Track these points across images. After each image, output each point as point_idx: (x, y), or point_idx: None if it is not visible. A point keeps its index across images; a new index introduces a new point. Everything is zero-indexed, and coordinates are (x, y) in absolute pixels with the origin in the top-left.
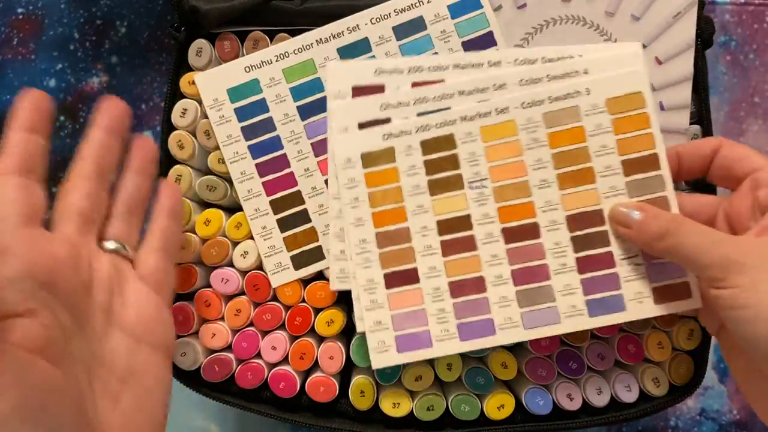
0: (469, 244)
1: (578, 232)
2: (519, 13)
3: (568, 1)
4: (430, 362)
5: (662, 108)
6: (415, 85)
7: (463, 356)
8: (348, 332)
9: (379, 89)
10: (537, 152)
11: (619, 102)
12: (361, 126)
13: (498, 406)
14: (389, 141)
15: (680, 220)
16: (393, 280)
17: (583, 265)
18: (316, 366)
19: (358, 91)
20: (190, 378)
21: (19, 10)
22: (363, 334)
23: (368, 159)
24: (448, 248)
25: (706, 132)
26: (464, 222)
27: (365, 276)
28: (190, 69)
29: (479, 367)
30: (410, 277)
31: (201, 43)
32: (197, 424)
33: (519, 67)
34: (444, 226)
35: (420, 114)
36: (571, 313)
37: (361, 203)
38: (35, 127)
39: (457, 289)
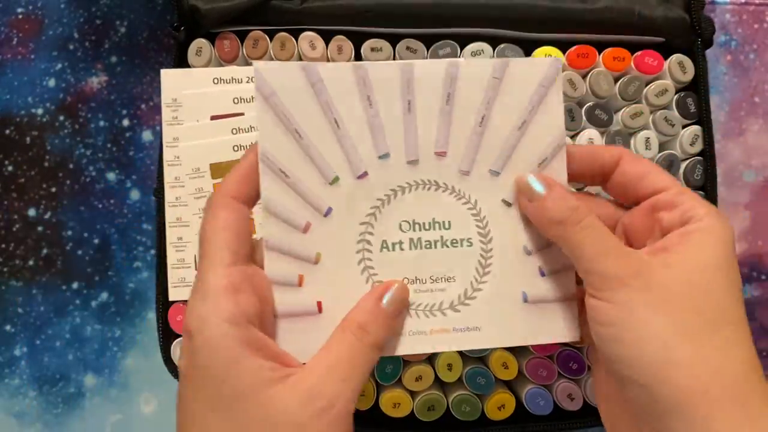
0: None
1: None
2: (360, 184)
3: (415, 164)
4: (431, 362)
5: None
6: None
7: (464, 356)
8: None
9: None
10: None
11: None
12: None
13: (498, 406)
14: (240, 153)
15: (583, 213)
16: None
17: None
18: None
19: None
20: None
21: (19, 10)
22: None
23: (217, 169)
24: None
25: (707, 132)
26: None
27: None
28: (189, 68)
29: (480, 367)
30: None
31: (201, 42)
32: None
33: None
34: None
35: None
36: None
37: None
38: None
39: None
